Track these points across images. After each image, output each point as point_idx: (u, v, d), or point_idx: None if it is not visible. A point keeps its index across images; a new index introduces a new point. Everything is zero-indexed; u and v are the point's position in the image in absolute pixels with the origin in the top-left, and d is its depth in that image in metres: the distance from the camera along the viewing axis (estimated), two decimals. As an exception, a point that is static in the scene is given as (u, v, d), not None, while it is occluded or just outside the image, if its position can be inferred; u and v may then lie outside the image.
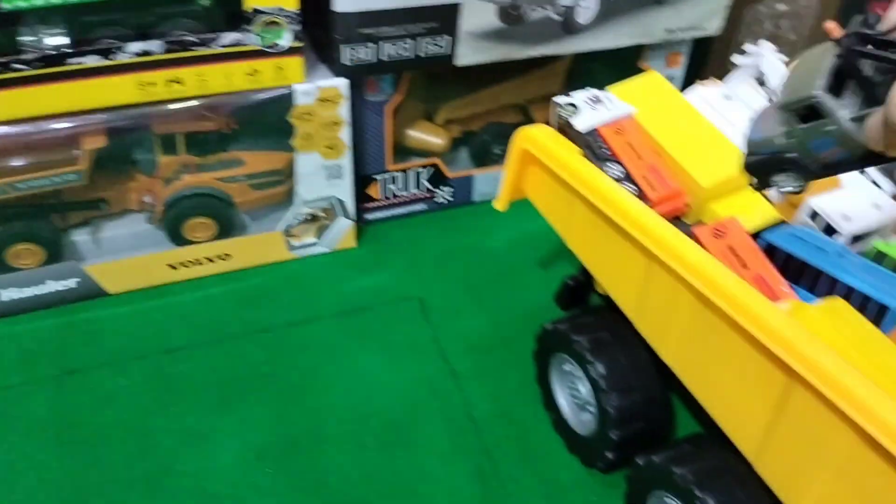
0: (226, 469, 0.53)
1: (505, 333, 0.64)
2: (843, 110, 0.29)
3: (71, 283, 0.64)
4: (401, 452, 0.55)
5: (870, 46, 0.28)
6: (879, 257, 0.42)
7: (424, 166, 0.74)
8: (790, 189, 0.33)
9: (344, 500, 0.52)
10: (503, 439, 0.56)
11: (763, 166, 0.33)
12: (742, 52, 0.59)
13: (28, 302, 0.64)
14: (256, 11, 0.57)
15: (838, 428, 0.33)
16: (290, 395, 0.58)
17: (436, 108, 0.76)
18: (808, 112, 0.30)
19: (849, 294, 0.40)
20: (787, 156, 0.32)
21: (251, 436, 0.55)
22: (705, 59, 0.81)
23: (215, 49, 0.58)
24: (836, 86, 0.29)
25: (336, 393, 0.59)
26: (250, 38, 0.58)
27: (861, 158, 0.30)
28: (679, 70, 0.77)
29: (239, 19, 0.57)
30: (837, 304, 0.37)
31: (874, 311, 0.39)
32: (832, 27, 0.32)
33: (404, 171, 0.73)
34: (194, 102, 0.60)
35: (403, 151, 0.75)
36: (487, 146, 0.78)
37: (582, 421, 0.54)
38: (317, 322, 0.65)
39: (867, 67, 0.29)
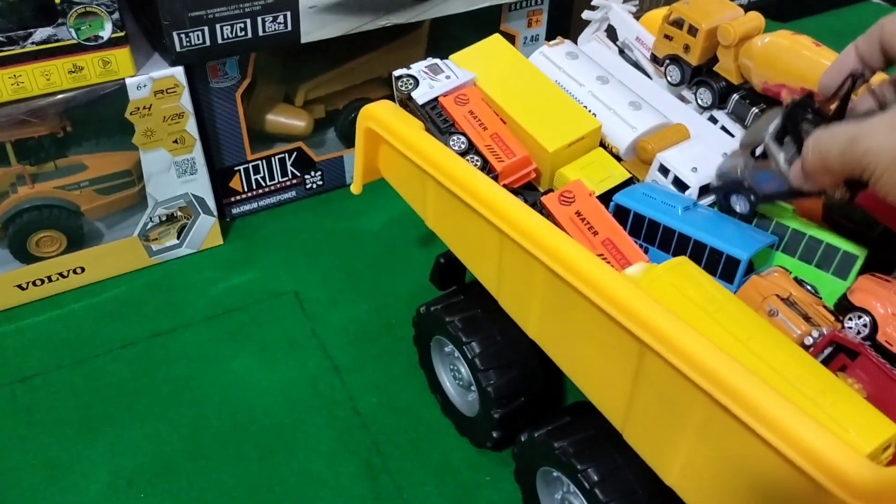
0: (95, 501, 0.49)
1: (387, 319, 0.62)
2: (780, 154, 0.38)
3: None
4: (283, 459, 0.52)
5: (809, 111, 0.38)
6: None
7: (288, 152, 0.70)
8: (739, 209, 0.42)
9: (227, 517, 0.49)
10: (391, 430, 0.54)
11: (725, 188, 0.42)
12: (592, 8, 0.57)
13: None
14: (68, 2, 0.52)
15: (691, 392, 0.32)
16: (160, 411, 0.55)
17: (294, 88, 0.72)
18: (760, 154, 0.40)
19: (701, 249, 0.39)
20: (744, 183, 0.41)
21: (121, 461, 0.51)
22: (568, 17, 0.80)
23: (28, 47, 0.52)
24: (780, 136, 0.39)
25: (211, 403, 0.55)
26: (66, 33, 0.53)
27: (790, 192, 0.38)
28: (541, 29, 0.76)
29: (51, 12, 0.52)
30: (683, 263, 0.37)
31: (725, 264, 0.38)
32: (785, 95, 0.45)
33: (267, 158, 0.69)
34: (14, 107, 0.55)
35: (265, 138, 0.71)
36: (354, 125, 0.74)
37: (468, 402, 0.52)
38: (185, 330, 0.61)
39: (806, 126, 0.38)
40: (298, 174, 0.71)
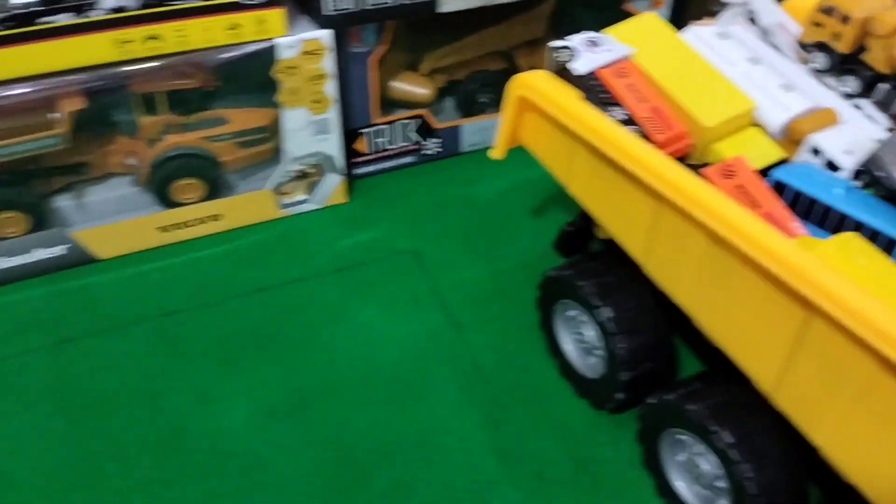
0: (239, 427, 0.53)
1: (503, 283, 0.64)
2: None
3: (59, 250, 0.63)
4: (410, 404, 0.55)
5: None
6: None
7: (411, 118, 0.73)
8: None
9: (358, 453, 0.52)
10: (511, 387, 0.56)
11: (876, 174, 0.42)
12: (733, -8, 0.59)
13: (17, 271, 0.62)
14: (237, -38, 0.55)
15: (856, 355, 0.34)
16: (294, 352, 0.58)
17: (420, 58, 0.75)
18: None
19: (857, 229, 0.41)
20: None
21: (260, 394, 0.55)
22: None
23: (194, 3, 0.56)
24: None
25: (340, 349, 0.59)
26: (232, -9, 0.56)
27: None
28: (664, 10, 0.77)
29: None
30: (851, 238, 0.38)
31: (883, 246, 0.40)
32: None
33: (391, 123, 0.72)
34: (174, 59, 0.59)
35: (388, 104, 0.74)
36: (473, 95, 0.77)
37: (589, 365, 0.55)
38: (314, 279, 0.64)
39: None
40: (419, 140, 0.74)
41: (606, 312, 0.50)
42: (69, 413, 0.54)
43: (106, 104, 0.61)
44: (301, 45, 0.60)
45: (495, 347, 0.59)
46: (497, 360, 0.58)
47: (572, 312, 0.54)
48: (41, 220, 0.63)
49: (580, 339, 0.54)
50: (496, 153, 0.56)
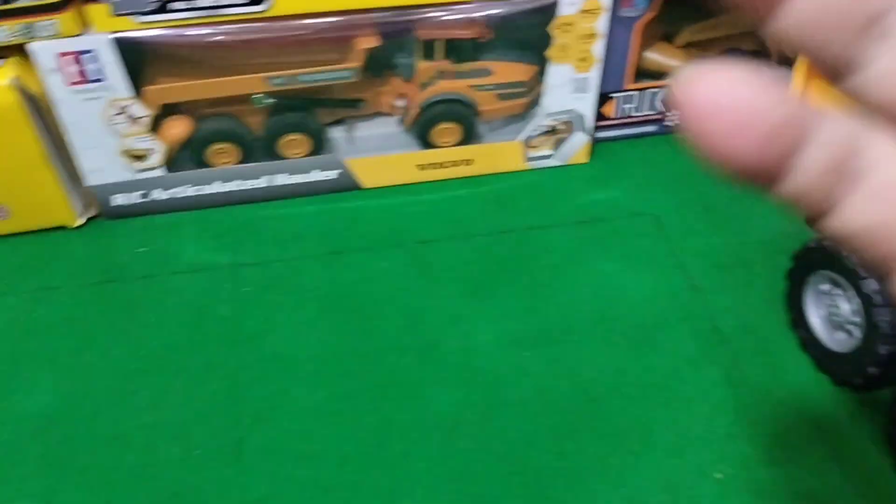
0: (486, 349, 0.58)
1: (744, 255, 0.65)
2: None
3: (332, 174, 0.70)
4: (648, 352, 0.57)
5: None
6: None
7: (660, 87, 0.74)
8: None
9: (598, 390, 0.55)
10: (750, 353, 0.57)
11: None
12: None
13: (297, 188, 0.70)
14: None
15: None
16: (537, 290, 0.62)
17: (676, 30, 0.76)
18: None
19: None
20: None
21: (505, 322, 0.59)
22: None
23: (497, -45, 0.60)
24: None
25: (581, 293, 0.62)
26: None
27: None
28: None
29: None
30: None
31: None
32: None
33: (641, 91, 0.74)
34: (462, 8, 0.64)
35: (637, 72, 0.76)
36: (721, 72, 0.77)
37: (835, 339, 0.54)
38: (555, 228, 0.68)
39: None
40: (662, 110, 0.76)
41: (872, 284, 0.50)
42: (336, 313, 0.61)
43: (394, 46, 0.67)
44: (581, 2, 0.63)
45: (735, 314, 0.60)
46: (736, 325, 0.59)
47: (825, 286, 0.54)
48: (320, 146, 0.70)
49: (832, 313, 0.54)
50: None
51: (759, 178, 0.18)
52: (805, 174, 0.19)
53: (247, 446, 0.53)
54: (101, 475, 0.52)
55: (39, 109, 0.62)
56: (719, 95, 0.18)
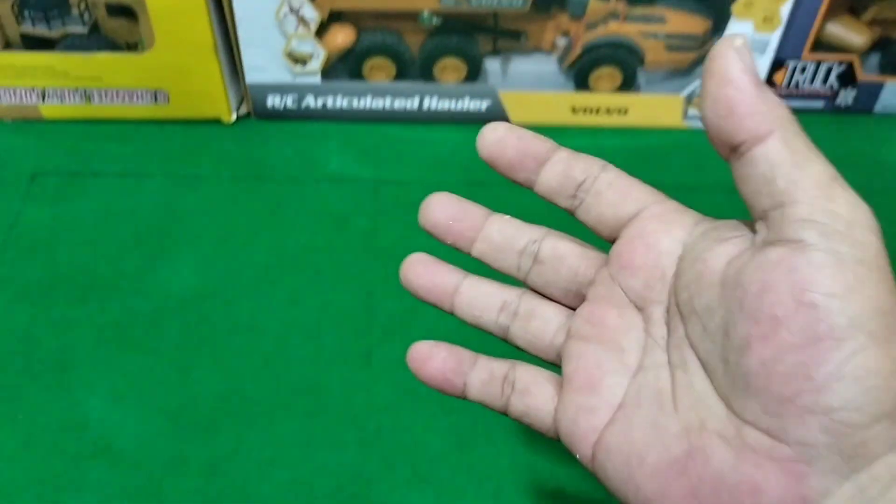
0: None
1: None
2: None
3: (483, 104, 0.69)
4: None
5: None
6: None
7: (840, 62, 0.70)
8: None
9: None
10: None
11: None
12: None
13: (445, 114, 0.70)
14: None
15: None
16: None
17: (864, 4, 0.71)
18: None
19: None
20: None
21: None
22: None
23: None
24: None
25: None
26: None
27: None
28: None
29: None
30: None
31: None
32: None
33: (817, 62, 0.70)
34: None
35: (815, 43, 0.72)
36: (905, 55, 0.72)
37: None
38: (705, 192, 0.65)
39: None
40: (835, 87, 0.71)
41: None
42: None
43: (568, -21, 0.66)
44: (775, -42, 0.60)
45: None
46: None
47: None
48: (475, 74, 0.69)
49: None
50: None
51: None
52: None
53: (375, 356, 0.54)
54: (235, 359, 0.54)
55: None
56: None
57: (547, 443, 0.50)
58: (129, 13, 0.66)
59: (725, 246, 0.30)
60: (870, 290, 0.25)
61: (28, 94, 0.68)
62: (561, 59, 0.70)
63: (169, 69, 0.66)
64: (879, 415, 0.24)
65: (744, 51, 0.28)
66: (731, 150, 0.29)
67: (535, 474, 0.49)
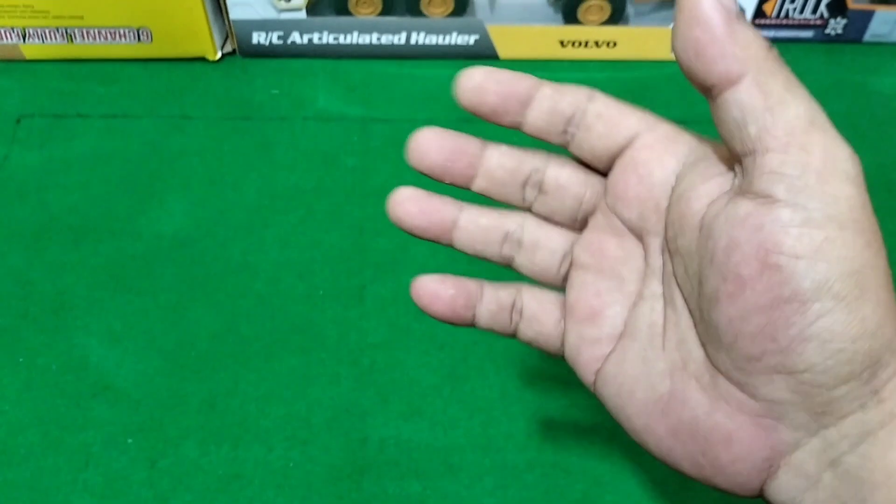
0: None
1: (890, 176, 0.62)
2: None
3: (471, 38, 0.68)
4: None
5: None
6: None
7: (830, -10, 0.69)
8: None
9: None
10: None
11: None
12: None
13: (433, 49, 0.69)
14: None
15: None
16: (668, 185, 0.61)
17: (858, -72, 0.70)
18: None
19: None
20: None
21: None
22: None
23: None
24: None
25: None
26: None
27: None
28: None
29: None
30: None
31: None
32: None
33: (808, -9, 0.69)
34: None
35: (805, -29, 0.71)
36: (899, -18, 0.71)
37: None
38: (696, 125, 0.65)
39: None
40: (825, 16, 0.71)
41: None
42: (463, 180, 0.61)
43: None
44: None
45: (872, 237, 0.58)
46: (872, 248, 0.57)
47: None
48: (462, 8, 0.68)
49: None
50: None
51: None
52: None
53: (368, 293, 0.55)
54: (229, 299, 0.55)
55: (195, -66, 0.62)
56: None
57: (535, 376, 0.52)
58: (107, -51, 0.65)
59: (708, 185, 0.29)
60: (839, 250, 0.24)
61: (8, 34, 0.66)
62: (549, -9, 0.69)
63: (151, 7, 0.65)
64: (846, 376, 0.24)
65: None
66: (705, 92, 0.28)
67: (524, 405, 0.50)
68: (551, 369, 0.52)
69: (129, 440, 0.48)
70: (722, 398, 0.27)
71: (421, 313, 0.53)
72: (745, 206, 0.26)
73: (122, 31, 0.67)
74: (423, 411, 0.50)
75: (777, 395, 0.25)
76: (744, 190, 0.26)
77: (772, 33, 0.72)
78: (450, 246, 0.36)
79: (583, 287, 0.33)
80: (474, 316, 0.36)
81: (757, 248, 0.25)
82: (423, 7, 0.67)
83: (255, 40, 0.68)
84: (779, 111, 0.26)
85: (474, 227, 0.35)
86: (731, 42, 0.26)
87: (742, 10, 0.27)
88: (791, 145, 0.25)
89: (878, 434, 0.24)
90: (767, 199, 0.25)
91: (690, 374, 0.28)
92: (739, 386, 0.26)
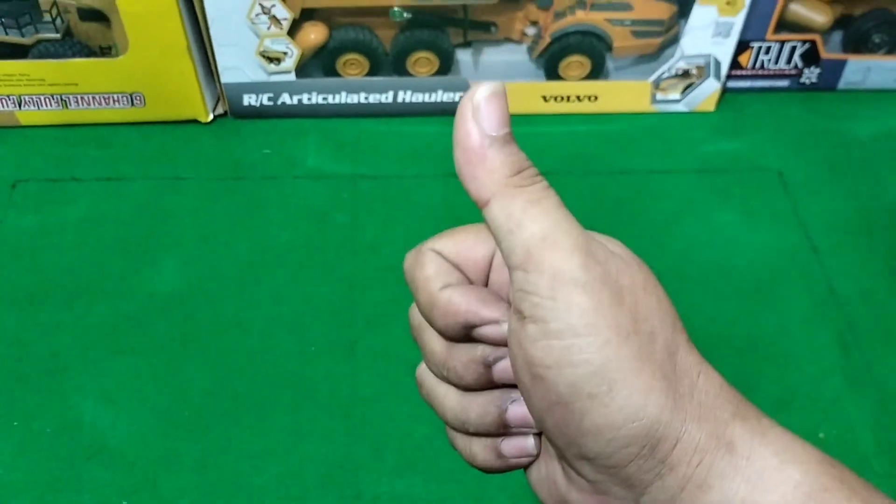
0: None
1: (869, 220, 0.63)
2: None
3: (456, 95, 0.70)
4: (760, 307, 0.57)
5: None
6: None
7: (803, 41, 0.72)
8: None
9: (706, 340, 0.55)
10: (866, 318, 0.56)
11: None
12: None
13: (420, 107, 0.71)
14: None
15: None
16: (652, 234, 0.62)
17: (826, -18, 0.73)
18: None
19: None
20: None
21: (618, 262, 0.60)
22: None
23: None
24: None
25: (696, 241, 0.62)
26: None
27: None
28: None
29: None
30: None
31: None
32: None
33: (782, 42, 0.71)
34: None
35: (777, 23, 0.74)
36: (867, 33, 0.74)
37: (961, 317, 0.53)
38: (676, 174, 0.67)
39: None
40: (799, 66, 0.73)
41: None
42: (452, 233, 0.62)
43: (534, -29, 0.67)
44: (734, -56, 0.61)
45: (853, 278, 0.59)
46: (854, 290, 0.58)
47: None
48: (447, 67, 0.70)
49: (963, 290, 0.53)
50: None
51: None
52: None
53: (359, 348, 0.56)
54: (222, 356, 0.55)
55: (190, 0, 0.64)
56: None
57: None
58: (101, 17, 0.67)
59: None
60: (577, 354, 0.26)
61: (4, 102, 0.68)
62: (531, 49, 0.72)
63: (144, 72, 0.67)
64: (629, 456, 0.26)
65: (484, 103, 0.28)
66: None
67: (517, 455, 0.51)
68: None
69: (124, 502, 0.48)
70: (571, 478, 0.29)
71: (411, 366, 0.54)
72: (512, 323, 0.28)
73: (115, 96, 0.69)
74: (416, 464, 0.50)
75: (591, 475, 0.28)
76: (513, 305, 0.28)
77: (748, 83, 0.74)
78: None
79: None
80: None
81: (523, 363, 0.27)
82: (410, 67, 0.70)
83: (245, 102, 0.70)
84: (517, 233, 0.27)
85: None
86: (480, 166, 0.28)
87: (508, 134, 0.28)
88: (528, 263, 0.27)
89: (681, 496, 0.27)
90: (519, 314, 0.27)
91: (556, 461, 0.31)
92: (573, 469, 0.29)
